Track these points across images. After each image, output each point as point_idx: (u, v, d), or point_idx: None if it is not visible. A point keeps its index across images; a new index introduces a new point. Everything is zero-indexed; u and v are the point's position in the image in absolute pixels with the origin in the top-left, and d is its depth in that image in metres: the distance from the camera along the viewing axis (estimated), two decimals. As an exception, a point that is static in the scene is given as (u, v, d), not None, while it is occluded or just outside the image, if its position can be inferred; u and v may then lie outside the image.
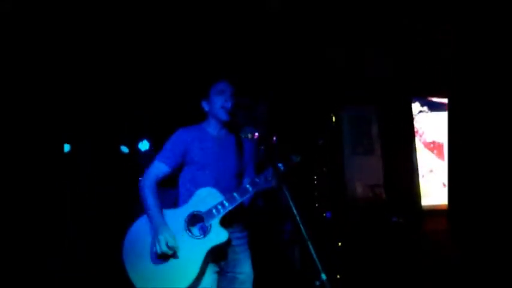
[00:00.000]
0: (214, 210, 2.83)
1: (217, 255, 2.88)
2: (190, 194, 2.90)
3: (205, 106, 3.13)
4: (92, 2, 3.43)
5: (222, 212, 2.83)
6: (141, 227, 2.94)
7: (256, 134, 3.01)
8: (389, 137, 4.99)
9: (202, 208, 2.85)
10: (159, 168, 2.98)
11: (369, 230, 4.46)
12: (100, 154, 3.16)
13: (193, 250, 2.81)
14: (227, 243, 2.85)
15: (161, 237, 2.79)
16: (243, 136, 2.94)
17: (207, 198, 2.86)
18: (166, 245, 2.75)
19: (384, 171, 4.95)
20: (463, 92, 2.51)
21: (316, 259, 2.32)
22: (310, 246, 2.34)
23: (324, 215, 4.84)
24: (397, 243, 4.31)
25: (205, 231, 2.82)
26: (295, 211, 2.46)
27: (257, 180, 2.86)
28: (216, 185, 2.92)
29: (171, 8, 3.61)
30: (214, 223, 2.82)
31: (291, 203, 2.50)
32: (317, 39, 4.17)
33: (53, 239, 3.35)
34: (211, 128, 3.12)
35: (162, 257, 2.80)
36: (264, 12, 3.72)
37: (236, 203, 2.84)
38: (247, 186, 2.86)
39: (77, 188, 3.25)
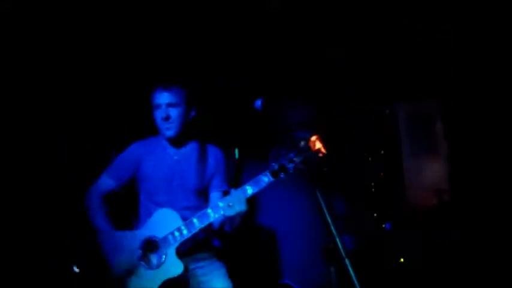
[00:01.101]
0: (170, 237, 2.45)
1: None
2: (148, 214, 2.57)
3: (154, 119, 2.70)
4: (92, 2, 3.29)
5: (179, 240, 2.43)
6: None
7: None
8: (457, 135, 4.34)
9: (159, 233, 2.47)
10: (104, 183, 2.67)
11: (434, 243, 3.83)
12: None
13: (145, 282, 2.43)
14: (184, 275, 2.45)
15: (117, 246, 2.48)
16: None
17: (164, 222, 2.49)
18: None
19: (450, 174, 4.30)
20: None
21: (356, 281, 1.84)
22: (349, 265, 1.87)
23: (383, 226, 4.28)
24: (468, 260, 3.64)
25: (159, 262, 2.44)
26: (329, 219, 1.99)
27: (220, 203, 2.41)
28: (173, 204, 2.54)
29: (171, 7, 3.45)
30: (170, 252, 2.43)
31: (325, 210, 2.03)
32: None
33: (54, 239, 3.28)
34: (165, 141, 2.70)
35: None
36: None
37: (195, 230, 2.43)
38: (208, 211, 2.44)
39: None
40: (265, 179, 2.38)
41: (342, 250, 1.90)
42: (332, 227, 1.94)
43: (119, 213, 2.66)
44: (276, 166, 2.37)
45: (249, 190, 2.37)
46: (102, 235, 2.54)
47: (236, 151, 3.64)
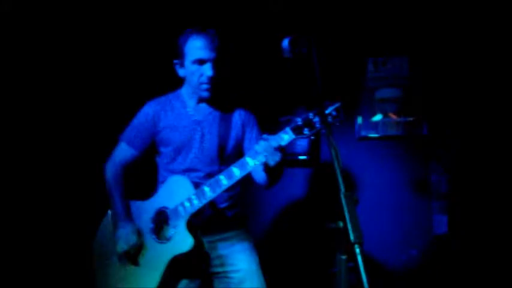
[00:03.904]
0: (180, 208, 2.16)
1: (192, 262, 2.22)
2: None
3: (178, 70, 2.35)
4: (92, 1, 3.22)
5: (190, 211, 2.14)
6: (108, 224, 2.41)
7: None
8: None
9: (170, 203, 2.19)
10: (125, 151, 2.35)
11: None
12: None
13: (154, 257, 2.21)
14: (198, 250, 2.16)
15: (120, 234, 2.25)
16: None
17: (176, 190, 2.20)
18: (127, 243, 2.21)
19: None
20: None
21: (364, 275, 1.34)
22: (359, 259, 1.37)
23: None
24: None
25: (169, 235, 2.18)
26: (342, 186, 1.49)
27: (234, 169, 2.09)
28: (193, 171, 2.24)
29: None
30: (180, 225, 2.15)
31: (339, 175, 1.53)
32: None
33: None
34: (188, 98, 2.35)
35: (127, 259, 2.26)
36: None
37: (207, 201, 2.13)
38: (221, 177, 2.12)
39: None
40: (286, 136, 2.03)
41: (351, 231, 1.37)
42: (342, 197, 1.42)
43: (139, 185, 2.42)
44: (299, 121, 2.02)
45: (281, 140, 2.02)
46: (117, 218, 2.32)
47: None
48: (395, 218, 3.27)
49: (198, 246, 2.16)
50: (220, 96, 2.34)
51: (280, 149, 2.01)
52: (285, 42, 1.97)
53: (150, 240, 2.24)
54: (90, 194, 2.97)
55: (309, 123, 2.00)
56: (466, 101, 3.15)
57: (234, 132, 2.33)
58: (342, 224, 1.44)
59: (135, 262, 2.25)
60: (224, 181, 2.11)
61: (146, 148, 2.36)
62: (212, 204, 2.23)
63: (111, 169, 2.36)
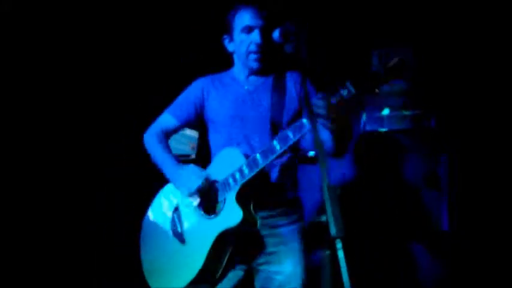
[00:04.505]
0: (230, 180, 2.03)
1: (240, 245, 2.06)
2: None
3: (227, 45, 2.31)
4: (92, 1, 3.19)
5: (240, 182, 2.00)
6: (160, 202, 2.31)
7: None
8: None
9: (220, 176, 2.07)
10: (166, 120, 2.32)
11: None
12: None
13: (201, 233, 2.07)
14: (250, 226, 1.99)
15: (182, 179, 2.13)
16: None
17: (226, 163, 2.07)
18: (199, 187, 2.06)
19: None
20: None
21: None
22: (341, 254, 1.31)
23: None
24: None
25: (218, 209, 2.05)
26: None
27: (288, 132, 1.94)
28: (247, 144, 2.13)
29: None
30: (230, 198, 2.01)
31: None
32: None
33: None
34: (239, 72, 2.29)
35: (177, 237, 2.14)
36: None
37: (258, 168, 1.98)
38: (274, 142, 1.96)
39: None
40: (345, 91, 1.86)
41: (332, 225, 1.31)
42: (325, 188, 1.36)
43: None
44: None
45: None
46: (169, 171, 2.21)
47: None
48: (403, 212, 3.16)
49: (249, 221, 1.97)
50: (272, 66, 2.27)
51: (341, 102, 1.83)
52: (275, 34, 1.93)
53: (198, 216, 2.12)
54: (90, 194, 2.96)
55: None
56: (473, 92, 3.04)
57: (289, 101, 2.20)
58: (325, 218, 1.37)
59: (177, 245, 2.13)
60: (277, 146, 1.95)
61: (189, 120, 2.30)
62: (265, 175, 2.07)
63: (152, 132, 2.31)
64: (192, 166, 2.15)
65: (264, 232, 2.08)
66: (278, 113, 2.17)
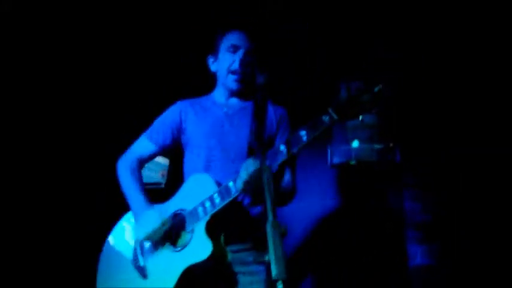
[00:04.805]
0: (200, 209, 1.92)
1: (208, 283, 1.94)
2: None
3: (211, 65, 2.27)
4: (93, 1, 3.17)
5: (210, 212, 1.89)
6: (123, 228, 2.22)
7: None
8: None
9: (189, 204, 1.96)
10: (142, 145, 2.23)
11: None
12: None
13: (165, 268, 1.94)
14: (220, 261, 1.88)
15: (140, 221, 2.03)
16: None
17: (196, 190, 1.97)
18: (150, 226, 1.97)
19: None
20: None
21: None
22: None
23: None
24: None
25: (185, 241, 1.93)
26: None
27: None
28: (221, 170, 2.03)
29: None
30: (198, 229, 1.89)
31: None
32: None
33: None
34: (219, 96, 2.23)
35: (138, 270, 2.03)
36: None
37: (230, 198, 1.88)
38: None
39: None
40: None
41: (273, 266, 1.25)
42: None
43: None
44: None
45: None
46: (133, 208, 2.12)
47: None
48: (370, 248, 3.11)
49: (219, 255, 1.87)
50: (253, 90, 2.22)
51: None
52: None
53: (163, 247, 2.00)
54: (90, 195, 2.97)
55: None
56: (440, 124, 3.05)
57: (268, 129, 2.15)
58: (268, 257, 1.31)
59: (139, 280, 2.01)
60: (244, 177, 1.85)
61: (166, 145, 2.22)
62: (238, 205, 1.98)
63: (126, 160, 2.22)
64: (152, 212, 2.04)
65: (235, 269, 1.97)
66: (256, 139, 2.06)
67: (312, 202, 3.26)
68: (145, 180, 3.64)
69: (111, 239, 2.24)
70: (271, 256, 1.29)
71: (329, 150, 3.30)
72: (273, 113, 2.21)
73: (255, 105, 2.14)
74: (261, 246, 1.96)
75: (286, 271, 1.27)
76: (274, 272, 1.27)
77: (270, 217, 1.37)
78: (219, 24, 2.30)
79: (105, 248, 2.25)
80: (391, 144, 3.20)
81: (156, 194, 2.24)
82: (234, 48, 2.17)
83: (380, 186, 3.24)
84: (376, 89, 1.82)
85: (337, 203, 3.30)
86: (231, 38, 2.20)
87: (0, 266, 3.02)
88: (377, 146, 3.23)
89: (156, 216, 2.00)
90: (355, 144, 3.28)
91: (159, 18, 3.31)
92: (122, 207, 2.24)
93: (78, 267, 3.03)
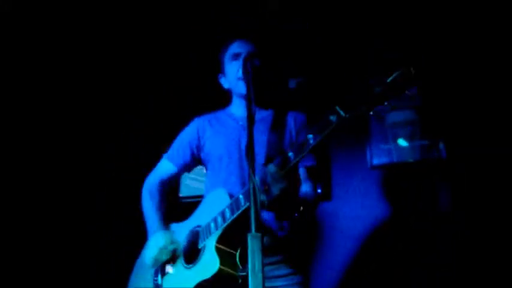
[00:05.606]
0: (212, 224, 1.86)
1: None
2: None
3: (223, 82, 2.26)
4: (93, 1, 3.13)
5: (222, 226, 1.82)
6: None
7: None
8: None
9: (204, 220, 1.91)
10: (164, 167, 2.24)
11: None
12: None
13: (180, 282, 1.90)
14: (230, 279, 1.76)
15: (148, 244, 2.03)
16: None
17: (213, 205, 1.92)
18: (156, 247, 1.97)
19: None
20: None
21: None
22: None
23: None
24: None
25: (197, 257, 1.87)
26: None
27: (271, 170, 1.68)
28: (241, 183, 1.97)
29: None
30: (209, 244, 1.83)
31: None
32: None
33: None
34: (235, 108, 2.20)
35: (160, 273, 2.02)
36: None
37: (240, 210, 1.77)
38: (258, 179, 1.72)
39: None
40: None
41: (250, 280, 1.20)
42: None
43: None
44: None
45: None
46: (149, 231, 2.11)
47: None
48: (414, 252, 2.91)
49: (227, 272, 1.75)
50: (272, 101, 2.20)
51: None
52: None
53: (178, 264, 1.96)
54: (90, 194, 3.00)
55: None
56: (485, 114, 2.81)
57: (287, 140, 2.08)
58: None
59: None
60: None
61: (186, 165, 2.24)
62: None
63: (148, 184, 2.24)
64: (159, 233, 2.02)
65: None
66: (274, 151, 2.00)
67: (354, 207, 3.12)
68: (194, 192, 3.65)
69: (143, 252, 2.20)
70: (249, 269, 1.22)
71: (368, 151, 3.14)
72: (292, 121, 2.13)
73: (273, 118, 2.12)
74: (288, 258, 1.96)
75: (263, 285, 1.19)
76: (251, 286, 1.20)
77: (252, 229, 1.30)
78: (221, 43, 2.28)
79: (138, 261, 2.24)
80: (433, 140, 2.99)
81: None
82: (236, 56, 2.13)
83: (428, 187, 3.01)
84: (388, 80, 1.64)
85: (383, 207, 3.11)
86: (232, 48, 2.19)
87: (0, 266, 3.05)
88: (417, 144, 3.03)
89: (161, 237, 1.99)
90: (397, 142, 3.11)
91: (166, 23, 3.28)
92: (122, 207, 2.24)
93: (78, 267, 3.11)
